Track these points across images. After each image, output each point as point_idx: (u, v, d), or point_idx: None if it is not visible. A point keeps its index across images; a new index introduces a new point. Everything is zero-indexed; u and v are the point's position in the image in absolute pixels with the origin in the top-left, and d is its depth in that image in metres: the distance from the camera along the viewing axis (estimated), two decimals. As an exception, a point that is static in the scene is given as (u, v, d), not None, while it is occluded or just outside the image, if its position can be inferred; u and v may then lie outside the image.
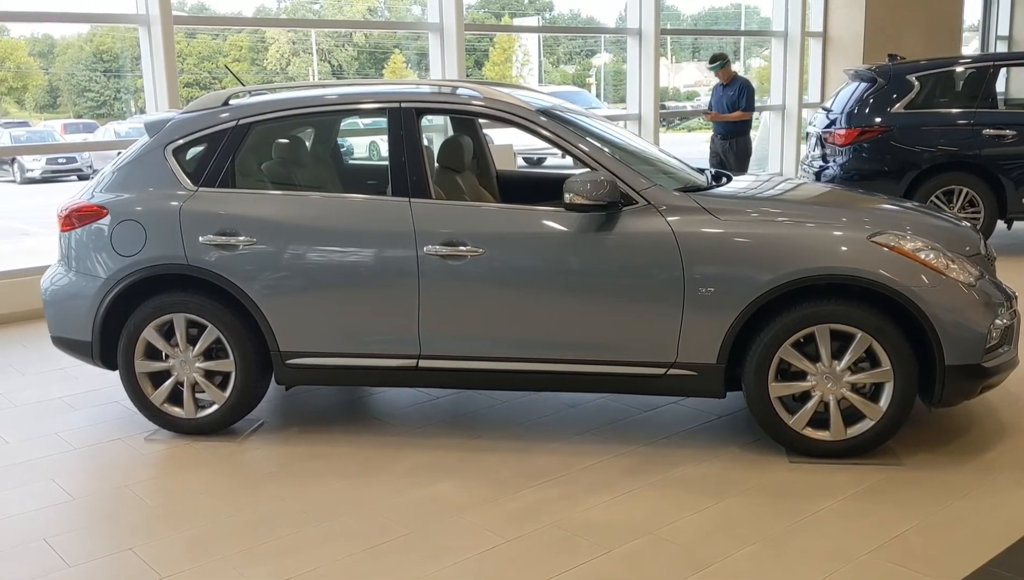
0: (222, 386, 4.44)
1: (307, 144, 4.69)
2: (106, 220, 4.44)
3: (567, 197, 3.95)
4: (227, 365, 4.40)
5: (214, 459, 4.27)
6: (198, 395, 4.49)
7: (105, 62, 57.45)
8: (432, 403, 4.90)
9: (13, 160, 24.71)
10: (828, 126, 8.93)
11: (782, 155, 12.83)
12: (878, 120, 8.56)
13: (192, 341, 4.42)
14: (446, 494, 3.84)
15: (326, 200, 4.37)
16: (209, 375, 4.45)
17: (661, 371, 4.08)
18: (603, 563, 3.27)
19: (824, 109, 9.38)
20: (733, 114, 9.90)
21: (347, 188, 4.51)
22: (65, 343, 4.60)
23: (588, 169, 4.10)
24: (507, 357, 4.19)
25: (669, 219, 4.03)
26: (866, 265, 3.87)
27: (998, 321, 3.96)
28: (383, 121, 4.35)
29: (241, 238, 4.28)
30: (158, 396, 4.48)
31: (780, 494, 3.77)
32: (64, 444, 4.47)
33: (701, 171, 4.96)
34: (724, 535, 3.45)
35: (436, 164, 5.04)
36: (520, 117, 4.24)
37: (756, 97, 9.99)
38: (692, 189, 4.30)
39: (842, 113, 8.79)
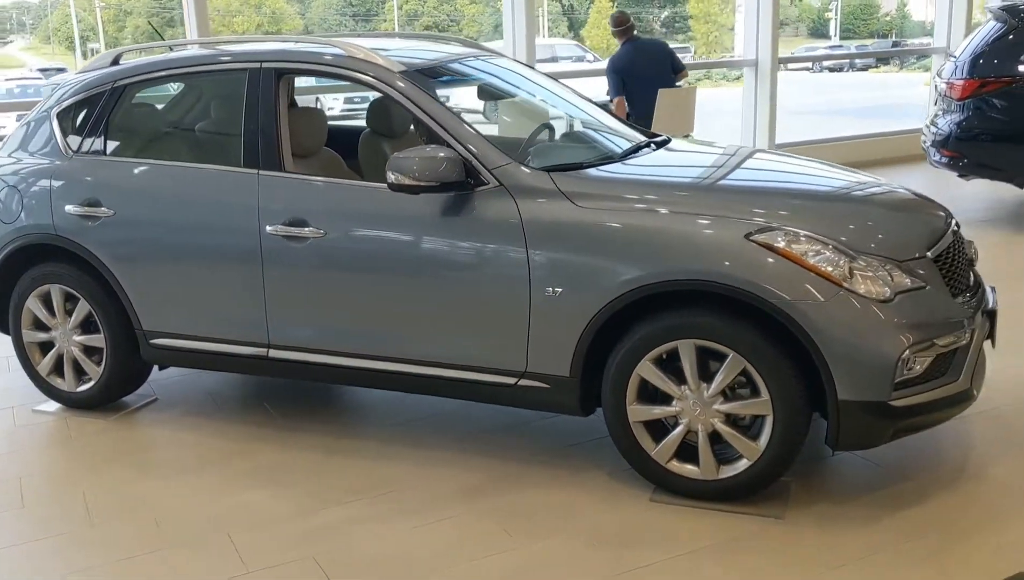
0: (100, 361, 4.28)
1: (185, 107, 4.37)
2: (-8, 185, 4.36)
3: (389, 176, 3.41)
4: (100, 340, 4.23)
5: (74, 437, 4.13)
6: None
7: (354, 6, 60.25)
8: (340, 394, 4.52)
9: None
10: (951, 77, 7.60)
11: (942, 106, 11.22)
12: (1005, 70, 7.17)
13: (71, 313, 4.28)
14: (252, 505, 3.46)
15: (180, 170, 4.03)
16: (91, 350, 4.30)
17: (512, 381, 3.50)
18: (327, 613, 2.82)
19: (951, 56, 8.00)
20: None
21: (208, 157, 4.16)
22: (-32, 307, 4.59)
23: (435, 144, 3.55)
24: (354, 353, 3.74)
25: (520, 203, 3.40)
26: (735, 270, 3.10)
27: (927, 346, 3.08)
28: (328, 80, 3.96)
29: (102, 209, 4.06)
30: (44, 367, 4.39)
31: (611, 540, 3.14)
32: (-43, 409, 4.49)
33: (652, 139, 4.24)
34: (499, 590, 2.89)
35: (367, 127, 4.61)
36: (375, 79, 3.71)
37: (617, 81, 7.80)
38: (571, 167, 3.61)
39: (966, 61, 7.45)
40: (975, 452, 3.63)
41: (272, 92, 3.85)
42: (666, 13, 65.74)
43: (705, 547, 3.07)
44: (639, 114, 7.71)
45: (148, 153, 4.25)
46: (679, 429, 3.30)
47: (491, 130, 4.68)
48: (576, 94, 4.68)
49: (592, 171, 3.60)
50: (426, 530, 3.25)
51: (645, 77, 7.80)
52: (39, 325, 4.36)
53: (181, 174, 4.02)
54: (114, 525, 3.36)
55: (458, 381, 3.59)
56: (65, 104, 4.32)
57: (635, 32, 8.12)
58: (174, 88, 4.46)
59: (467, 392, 3.64)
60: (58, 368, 4.38)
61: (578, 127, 4.44)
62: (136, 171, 4.11)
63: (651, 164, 3.86)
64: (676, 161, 4.04)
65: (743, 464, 3.24)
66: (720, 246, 3.15)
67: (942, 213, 3.62)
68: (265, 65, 3.89)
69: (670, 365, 3.27)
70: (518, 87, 4.50)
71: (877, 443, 3.21)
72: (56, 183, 4.17)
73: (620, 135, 4.29)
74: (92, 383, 4.30)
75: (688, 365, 3.22)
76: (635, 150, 3.98)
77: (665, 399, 3.30)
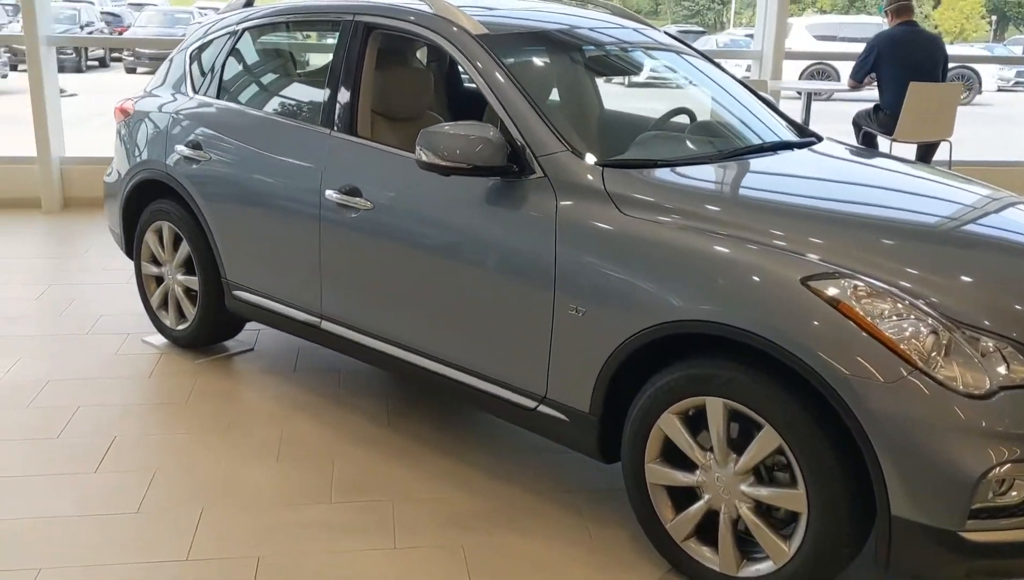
0: (195, 304, 4.28)
1: (294, 57, 4.18)
2: (131, 119, 4.45)
3: (418, 152, 2.99)
4: (196, 283, 4.22)
5: (154, 374, 4.15)
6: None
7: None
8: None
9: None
10: None
11: None
12: None
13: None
14: (245, 481, 3.27)
15: (266, 122, 3.86)
16: (191, 291, 4.30)
17: (532, 404, 3.01)
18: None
19: None
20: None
21: (296, 111, 3.91)
22: (112, 233, 4.77)
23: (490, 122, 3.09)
24: (391, 340, 3.41)
25: (560, 202, 2.87)
26: (778, 322, 2.39)
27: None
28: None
29: (200, 153, 4.00)
30: (154, 300, 4.47)
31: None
32: (81, 328, 4.69)
33: (801, 136, 3.56)
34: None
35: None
36: (448, 41, 3.29)
37: (868, 59, 6.87)
38: (635, 164, 3.00)
39: None
40: None
41: (358, 47, 3.56)
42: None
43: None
44: (891, 108, 6.61)
45: (250, 101, 4.12)
46: (699, 504, 2.66)
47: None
48: (732, 78, 3.97)
49: (660, 172, 2.97)
50: (387, 554, 2.87)
51: (911, 67, 6.62)
52: (155, 259, 4.44)
53: (266, 126, 3.86)
54: (115, 472, 3.30)
55: (480, 392, 3.15)
56: (198, 44, 4.31)
57: (913, 16, 6.93)
58: (302, 36, 4.31)
59: (489, 406, 3.19)
60: (166, 304, 4.44)
61: (719, 116, 3.75)
62: (232, 118, 4.01)
63: (756, 170, 3.14)
64: (793, 169, 3.27)
65: (767, 567, 2.55)
66: (768, 289, 2.44)
67: None
68: (357, 18, 3.61)
69: (705, 425, 2.63)
70: (658, 66, 3.88)
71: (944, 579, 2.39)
72: (174, 122, 4.18)
73: (766, 130, 3.58)
74: (187, 324, 4.32)
75: (715, 428, 2.57)
76: (757, 150, 3.28)
77: (690, 465, 2.67)
